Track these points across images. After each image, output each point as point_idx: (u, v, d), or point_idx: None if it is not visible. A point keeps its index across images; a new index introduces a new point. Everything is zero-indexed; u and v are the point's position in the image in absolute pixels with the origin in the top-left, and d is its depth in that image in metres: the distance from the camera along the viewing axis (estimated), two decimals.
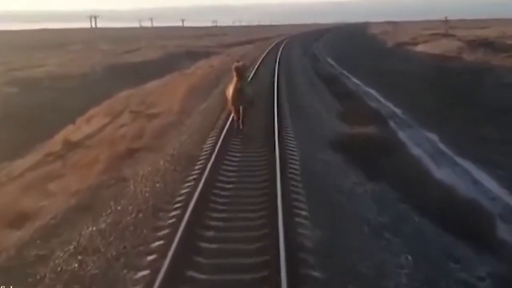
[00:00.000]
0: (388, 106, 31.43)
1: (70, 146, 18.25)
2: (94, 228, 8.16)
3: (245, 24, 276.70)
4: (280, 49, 51.87)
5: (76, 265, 6.89)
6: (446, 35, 72.19)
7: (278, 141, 12.04)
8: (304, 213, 8.32)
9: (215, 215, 8.26)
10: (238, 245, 7.20)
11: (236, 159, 11.48)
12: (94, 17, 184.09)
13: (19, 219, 9.95)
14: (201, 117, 17.55)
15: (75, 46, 79.69)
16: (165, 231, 7.67)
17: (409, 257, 7.65)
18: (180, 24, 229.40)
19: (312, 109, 21.97)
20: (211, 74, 32.08)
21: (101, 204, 9.48)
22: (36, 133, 24.11)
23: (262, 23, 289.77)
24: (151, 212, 8.65)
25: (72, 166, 15.03)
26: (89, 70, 47.17)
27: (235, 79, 13.35)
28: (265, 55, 42.91)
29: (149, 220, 8.28)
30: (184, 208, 8.27)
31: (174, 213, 8.42)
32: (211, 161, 10.58)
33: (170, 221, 8.08)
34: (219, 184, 9.68)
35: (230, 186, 9.65)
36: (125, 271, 6.63)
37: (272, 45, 60.81)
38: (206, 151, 12.11)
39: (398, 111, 29.76)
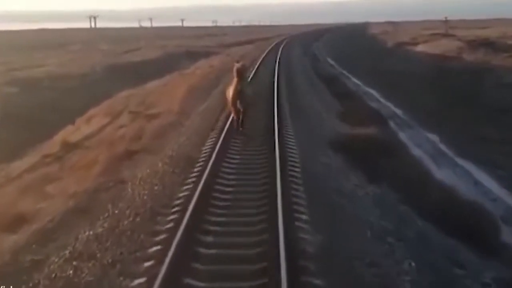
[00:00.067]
0: (388, 106, 31.37)
1: (69, 147, 18.20)
2: (91, 232, 8.03)
3: (245, 24, 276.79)
4: (280, 49, 51.74)
5: (71, 271, 6.76)
6: (446, 35, 72.04)
7: (278, 141, 11.93)
8: (304, 217, 8.18)
9: (214, 219, 8.12)
10: (238, 251, 7.05)
11: (236, 160, 11.36)
12: (94, 17, 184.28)
13: (16, 222, 9.87)
14: (200, 118, 17.45)
15: (75, 46, 79.72)
16: (163, 236, 7.53)
17: (413, 264, 7.50)
18: (179, 24, 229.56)
19: (312, 109, 21.88)
20: (211, 74, 31.99)
21: (99, 207, 9.39)
22: (36, 133, 24.06)
23: (262, 23, 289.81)
24: (149, 215, 8.53)
25: (71, 168, 14.96)
26: (89, 70, 47.13)
27: (235, 79, 13.29)
28: (265, 55, 42.80)
29: (147, 224, 8.15)
30: (183, 212, 8.14)
31: (172, 217, 8.28)
32: (210, 163, 10.44)
33: (168, 225, 7.94)
34: (218, 187, 9.53)
35: (230, 189, 9.51)
36: (121, 278, 6.49)
37: (272, 45, 60.69)
38: (205, 152, 11.99)
39: (398, 111, 29.70)
